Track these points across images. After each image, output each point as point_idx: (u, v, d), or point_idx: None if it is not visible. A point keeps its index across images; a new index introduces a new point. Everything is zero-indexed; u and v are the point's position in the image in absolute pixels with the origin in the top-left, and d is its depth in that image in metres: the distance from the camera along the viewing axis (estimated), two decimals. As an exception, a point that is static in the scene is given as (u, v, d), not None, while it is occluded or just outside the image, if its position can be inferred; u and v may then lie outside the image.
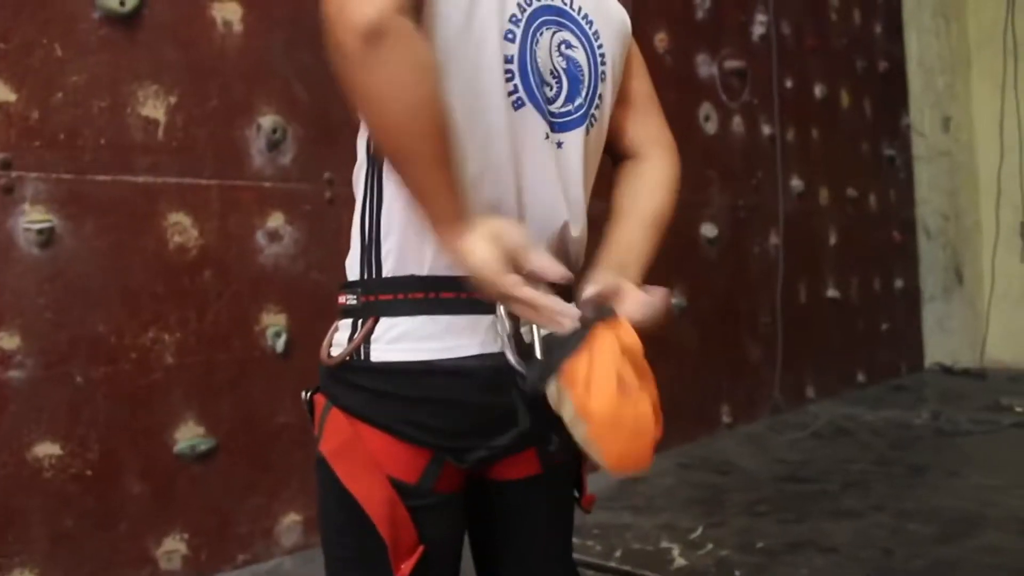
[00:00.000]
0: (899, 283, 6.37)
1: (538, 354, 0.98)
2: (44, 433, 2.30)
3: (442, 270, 1.00)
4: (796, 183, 5.25)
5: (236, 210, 2.64)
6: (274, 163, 2.75)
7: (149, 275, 2.50)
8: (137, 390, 2.47)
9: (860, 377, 5.81)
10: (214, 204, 2.62)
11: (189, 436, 2.55)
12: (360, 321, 1.04)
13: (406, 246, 1.02)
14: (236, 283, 2.66)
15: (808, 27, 5.48)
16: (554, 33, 1.09)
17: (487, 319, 1.01)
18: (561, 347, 0.95)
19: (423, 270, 1.01)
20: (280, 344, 2.72)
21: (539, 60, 1.06)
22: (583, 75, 1.11)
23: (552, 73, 1.08)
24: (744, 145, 4.85)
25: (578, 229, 1.11)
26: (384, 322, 1.02)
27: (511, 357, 0.98)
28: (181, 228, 2.55)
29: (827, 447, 4.20)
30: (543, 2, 1.08)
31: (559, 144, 1.08)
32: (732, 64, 4.71)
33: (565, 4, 1.11)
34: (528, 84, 1.05)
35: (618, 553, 2.79)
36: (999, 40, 6.53)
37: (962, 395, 5.38)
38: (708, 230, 4.52)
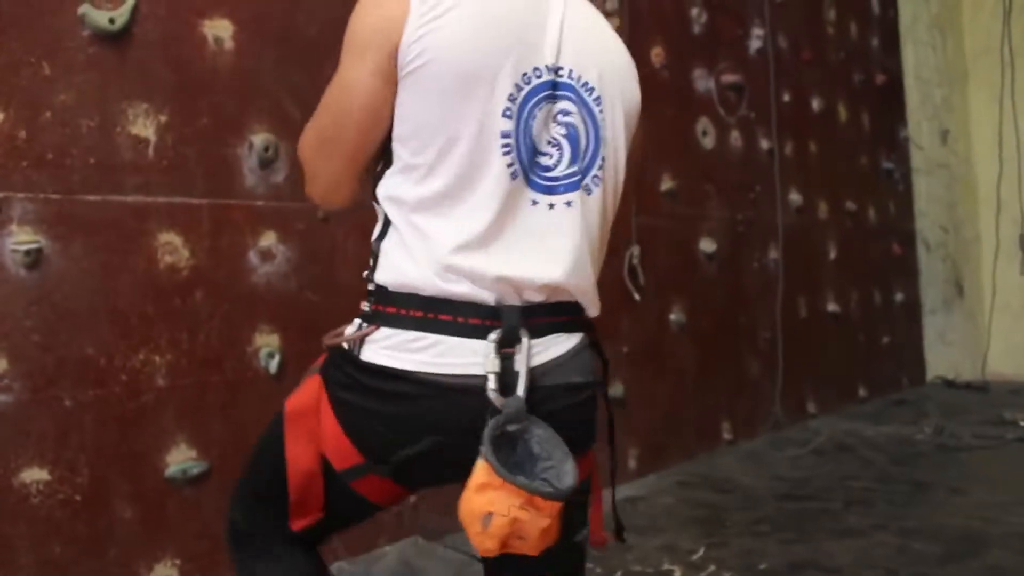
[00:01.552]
0: (899, 296, 6.34)
1: (522, 391, 1.11)
2: (31, 458, 2.26)
3: (444, 294, 1.14)
4: (795, 197, 5.22)
5: (228, 229, 2.61)
6: (266, 181, 2.72)
7: (139, 296, 2.46)
8: (127, 413, 2.42)
9: (861, 392, 5.77)
10: (205, 223, 2.59)
11: (181, 460, 2.50)
12: (366, 324, 1.20)
13: (412, 268, 1.16)
14: (228, 303, 2.62)
15: (805, 41, 5.47)
16: (552, 104, 1.20)
17: (478, 344, 1.13)
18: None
19: (425, 291, 1.15)
20: (273, 365, 2.67)
21: (534, 133, 1.18)
22: (581, 140, 1.22)
23: (551, 142, 1.20)
24: (742, 159, 4.83)
25: (576, 280, 1.22)
26: (384, 330, 1.17)
27: (492, 385, 1.11)
28: (172, 248, 2.51)
29: (828, 464, 4.16)
30: (541, 79, 1.18)
31: (552, 207, 1.20)
32: (729, 78, 4.69)
33: (562, 76, 1.20)
34: (520, 154, 1.17)
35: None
36: (996, 52, 6.53)
37: (964, 409, 5.34)
38: (707, 245, 4.49)
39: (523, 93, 1.16)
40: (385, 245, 1.20)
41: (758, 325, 4.86)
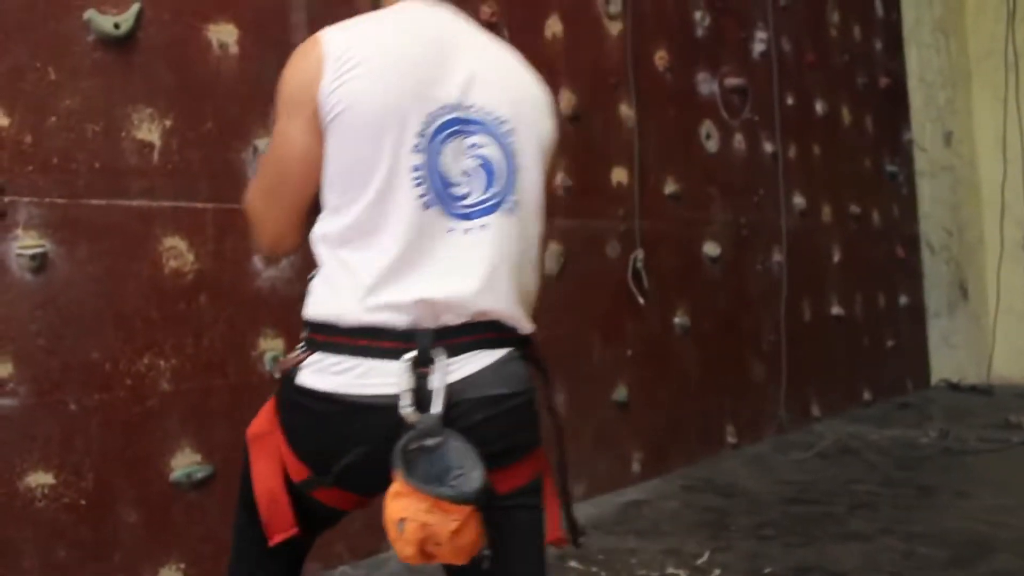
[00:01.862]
0: (903, 299, 6.33)
1: (437, 407, 1.19)
2: (37, 462, 2.26)
3: (362, 323, 1.24)
4: (798, 200, 5.22)
5: (232, 233, 2.61)
6: (271, 185, 2.72)
7: (144, 300, 2.46)
8: (132, 417, 2.43)
9: (866, 395, 5.76)
10: (210, 228, 2.59)
11: (185, 464, 2.51)
12: (303, 350, 1.32)
13: (334, 301, 1.27)
14: (232, 307, 2.62)
15: (808, 44, 5.47)
16: (462, 138, 1.29)
17: (393, 365, 1.22)
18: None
19: (346, 321, 1.25)
20: (277, 369, 2.67)
21: (444, 164, 1.28)
22: (495, 169, 1.31)
23: (464, 172, 1.29)
24: (745, 163, 4.82)
25: (493, 298, 1.29)
26: (316, 355, 1.28)
27: (406, 403, 1.20)
28: (176, 252, 2.52)
29: (833, 467, 4.15)
30: (451, 114, 1.29)
31: (467, 232, 1.29)
32: (732, 81, 4.70)
33: (473, 111, 1.31)
34: (433, 185, 1.27)
35: (623, 580, 2.74)
36: (999, 54, 6.53)
37: (969, 412, 5.34)
38: (711, 248, 4.48)
39: (431, 129, 1.27)
40: (314, 282, 1.32)
41: (762, 328, 4.85)
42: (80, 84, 2.37)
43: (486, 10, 3.41)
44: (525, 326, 1.35)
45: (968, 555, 2.84)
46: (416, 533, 1.14)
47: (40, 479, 2.26)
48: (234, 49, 2.66)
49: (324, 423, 1.27)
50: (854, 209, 5.82)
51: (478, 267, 1.28)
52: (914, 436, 4.72)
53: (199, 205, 2.57)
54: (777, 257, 4.99)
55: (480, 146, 1.31)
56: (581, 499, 3.63)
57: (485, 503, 1.17)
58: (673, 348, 4.26)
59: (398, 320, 1.24)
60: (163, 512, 2.46)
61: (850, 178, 5.83)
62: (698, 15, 4.54)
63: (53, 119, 2.32)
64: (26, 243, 2.26)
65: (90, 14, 2.37)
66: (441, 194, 1.27)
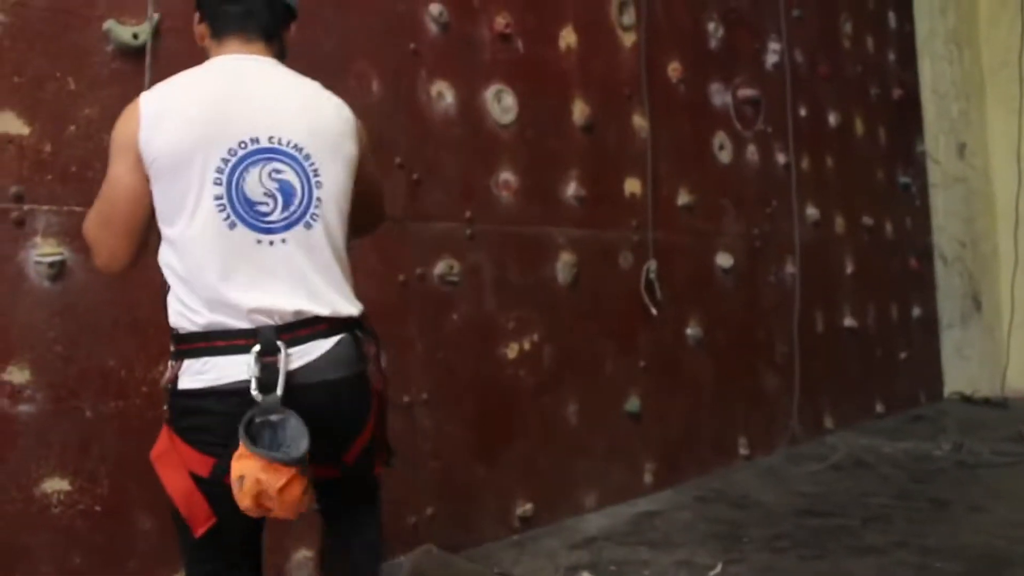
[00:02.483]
0: (917, 311, 6.30)
1: (279, 390, 1.52)
2: (53, 468, 2.28)
3: (214, 327, 1.55)
4: (811, 211, 5.21)
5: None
6: (286, 195, 2.73)
7: (159, 308, 2.44)
8: (147, 424, 2.42)
9: (879, 407, 5.73)
10: (226, 236, 2.60)
11: (199, 471, 2.51)
12: (174, 362, 1.59)
13: (187, 312, 1.57)
14: (248, 315, 2.63)
15: (821, 55, 5.47)
16: (263, 166, 1.59)
17: (244, 358, 1.53)
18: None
19: (199, 328, 1.56)
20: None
21: (247, 189, 1.57)
22: (295, 189, 1.62)
23: (266, 193, 1.59)
24: (759, 174, 4.82)
25: (308, 299, 1.61)
26: (187, 362, 1.57)
27: (253, 387, 1.51)
28: (193, 260, 2.53)
29: (846, 480, 4.13)
30: (250, 148, 1.58)
31: (272, 243, 1.59)
32: (746, 93, 4.70)
33: (273, 143, 1.60)
34: (236, 209, 1.56)
35: (635, 591, 2.73)
36: (1014, 66, 6.51)
37: (983, 425, 5.30)
38: (723, 260, 4.48)
39: (231, 163, 1.56)
40: (168, 299, 1.61)
41: (775, 340, 4.84)
42: (99, 93, 2.39)
43: (500, 21, 3.43)
44: (350, 310, 1.66)
45: (983, 570, 2.82)
46: (253, 487, 1.46)
47: (56, 485, 2.27)
48: (251, 59, 2.67)
49: (205, 414, 1.56)
50: (867, 220, 5.80)
51: (292, 277, 1.60)
52: (928, 449, 4.69)
53: (215, 214, 2.58)
54: (790, 268, 4.98)
55: (280, 172, 1.60)
56: (593, 509, 3.63)
57: (306, 466, 1.50)
58: (686, 359, 4.25)
59: (242, 323, 1.55)
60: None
61: (863, 189, 5.82)
62: (711, 26, 4.55)
63: (72, 128, 2.35)
64: (44, 251, 2.28)
65: (109, 24, 2.40)
66: (246, 214, 1.58)
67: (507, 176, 3.45)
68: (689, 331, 4.26)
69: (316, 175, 1.63)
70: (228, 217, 1.56)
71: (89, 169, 2.36)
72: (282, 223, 1.60)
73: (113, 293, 2.39)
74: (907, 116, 6.42)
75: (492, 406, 3.34)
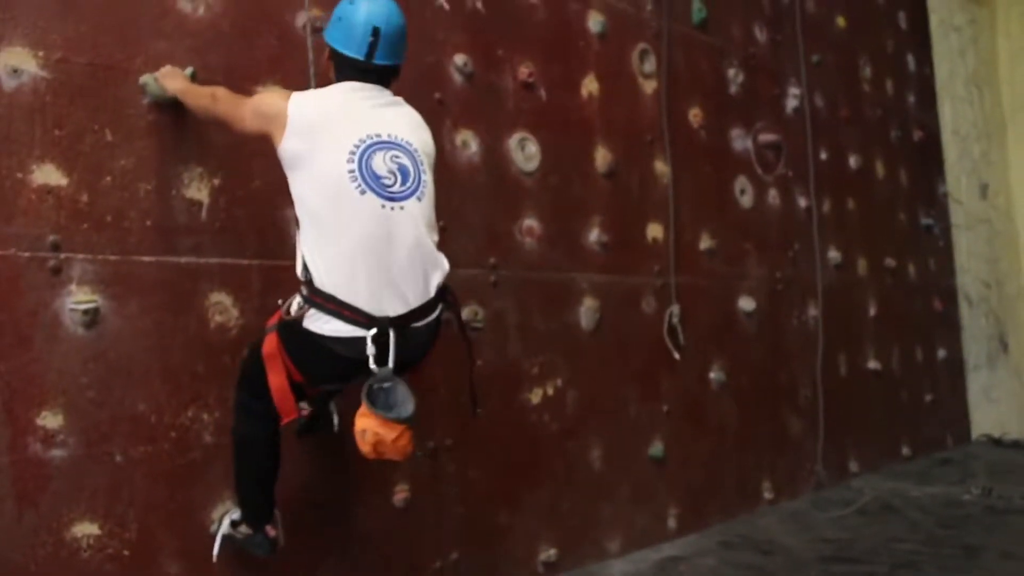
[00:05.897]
0: (942, 353, 6.26)
1: (390, 363, 2.19)
2: (83, 512, 2.31)
3: (346, 298, 2.19)
4: (833, 254, 5.21)
5: (277, 289, 2.66)
6: (314, 242, 2.77)
7: (190, 354, 2.52)
8: (176, 469, 2.47)
9: (904, 450, 5.67)
10: (255, 283, 2.65)
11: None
12: (302, 305, 2.24)
13: (328, 279, 2.21)
14: (275, 361, 2.66)
15: (842, 99, 5.51)
16: (386, 152, 2.28)
17: (362, 332, 2.19)
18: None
19: (338, 294, 2.20)
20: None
21: (374, 167, 2.24)
22: (410, 171, 2.31)
23: (389, 172, 2.26)
24: (780, 217, 4.84)
25: (421, 250, 2.29)
26: (313, 311, 2.22)
27: (371, 362, 2.18)
28: (222, 308, 2.58)
29: (873, 525, 4.08)
30: (374, 140, 2.27)
31: (393, 208, 2.24)
32: (767, 137, 4.73)
33: (391, 138, 2.31)
34: (366, 180, 2.22)
35: (661, 639, 2.71)
36: (1035, 106, 6.52)
37: (1012, 469, 5.23)
38: (746, 303, 4.48)
39: (360, 148, 2.24)
40: (307, 255, 2.24)
41: (798, 383, 4.81)
42: (135, 144, 2.46)
43: (523, 71, 3.49)
44: (441, 276, 2.33)
45: (1016, 619, 2.78)
46: (372, 438, 2.14)
47: (86, 529, 2.30)
48: (281, 110, 2.73)
49: (317, 351, 2.21)
50: (890, 262, 5.79)
51: (413, 232, 2.25)
52: (956, 493, 4.63)
53: (244, 262, 2.64)
54: (813, 311, 4.96)
55: (398, 157, 2.30)
56: (617, 555, 3.60)
57: (413, 424, 2.17)
58: (709, 403, 4.24)
59: (365, 306, 2.18)
60: (205, 563, 2.48)
61: (885, 231, 5.82)
62: (731, 72, 4.60)
63: (108, 179, 2.41)
64: (79, 298, 2.33)
65: (145, 78, 2.47)
66: (374, 184, 2.23)
67: (531, 222, 3.49)
68: (712, 375, 4.25)
69: (419, 163, 2.33)
70: (360, 185, 2.20)
71: (124, 218, 2.42)
72: (402, 193, 2.26)
73: (146, 340, 2.44)
74: (928, 158, 6.43)
75: (516, 451, 3.35)
